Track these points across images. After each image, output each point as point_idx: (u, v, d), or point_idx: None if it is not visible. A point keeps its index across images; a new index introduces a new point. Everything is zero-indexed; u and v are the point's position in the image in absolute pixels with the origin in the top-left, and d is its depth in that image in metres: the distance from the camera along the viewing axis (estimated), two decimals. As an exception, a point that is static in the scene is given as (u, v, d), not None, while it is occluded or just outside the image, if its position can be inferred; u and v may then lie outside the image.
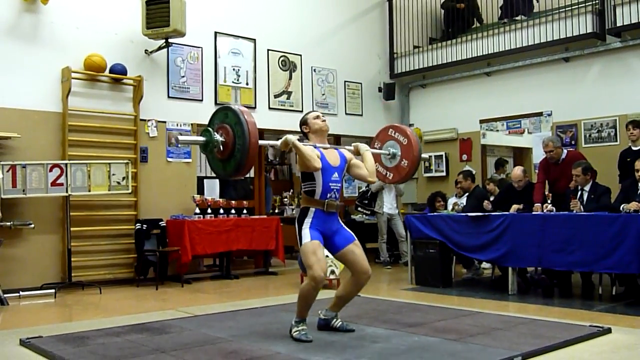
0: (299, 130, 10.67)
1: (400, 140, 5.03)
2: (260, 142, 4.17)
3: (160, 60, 8.36)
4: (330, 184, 4.36)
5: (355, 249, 4.41)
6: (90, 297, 6.89)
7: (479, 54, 9.88)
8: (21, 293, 6.81)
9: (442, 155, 10.58)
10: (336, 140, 10.72)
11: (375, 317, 5.09)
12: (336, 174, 4.41)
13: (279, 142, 4.32)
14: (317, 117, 4.60)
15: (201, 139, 4.11)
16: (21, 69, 7.26)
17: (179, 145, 4.12)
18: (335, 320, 4.58)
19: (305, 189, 4.41)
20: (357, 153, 4.69)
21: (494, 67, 9.87)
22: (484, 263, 8.24)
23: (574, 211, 6.38)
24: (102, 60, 7.71)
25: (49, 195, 7.17)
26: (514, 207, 6.99)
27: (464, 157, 10.29)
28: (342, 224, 4.53)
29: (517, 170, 7.46)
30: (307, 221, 4.32)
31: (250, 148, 3.90)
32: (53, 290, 6.93)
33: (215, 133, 4.05)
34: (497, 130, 10.07)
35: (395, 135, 5.07)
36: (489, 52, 9.74)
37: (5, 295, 6.47)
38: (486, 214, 6.93)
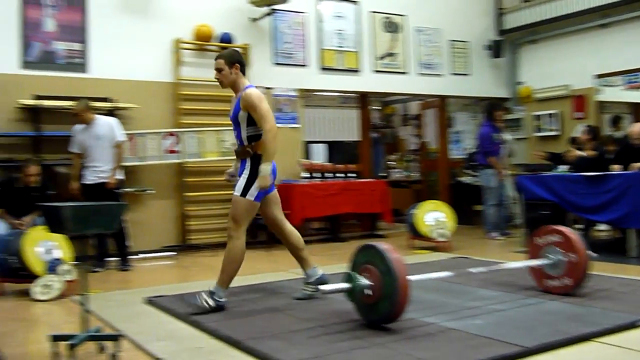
0: (402, 92, 10.52)
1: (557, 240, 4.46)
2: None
3: (265, 27, 8.46)
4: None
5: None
6: (206, 259, 7.18)
7: (593, 5, 9.31)
8: (144, 255, 7.21)
9: (554, 114, 10.13)
10: (442, 100, 10.53)
11: (488, 280, 5.00)
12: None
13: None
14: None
15: (346, 285, 3.74)
16: (136, 42, 7.57)
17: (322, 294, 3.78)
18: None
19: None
20: None
21: (611, 18, 9.27)
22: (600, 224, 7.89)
23: None
24: (210, 30, 7.91)
25: (165, 162, 7.50)
26: (635, 165, 6.62)
27: (578, 114, 9.81)
28: None
29: (637, 127, 7.04)
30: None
31: (400, 288, 3.50)
32: (172, 253, 7.30)
33: (360, 276, 3.69)
34: (615, 85, 9.52)
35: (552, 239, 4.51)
36: (605, 3, 9.16)
37: (129, 257, 6.87)
38: (604, 173, 6.62)
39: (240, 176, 4.37)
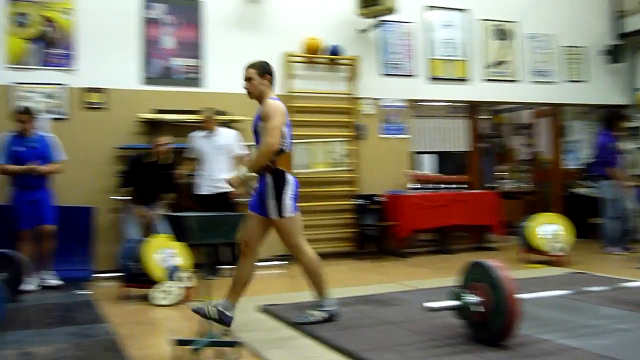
0: (513, 101, 10.21)
1: None
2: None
3: (373, 38, 8.49)
4: None
5: None
6: (315, 269, 7.25)
7: None
8: (255, 263, 7.38)
9: (679, 121, 9.54)
10: (555, 108, 10.16)
11: (610, 297, 4.74)
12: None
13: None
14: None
15: (454, 303, 3.69)
16: (248, 57, 7.55)
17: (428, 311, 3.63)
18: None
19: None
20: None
21: None
22: None
23: None
24: (319, 43, 8.04)
25: (276, 173, 7.66)
26: None
27: None
28: None
29: None
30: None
31: (510, 303, 3.42)
32: (283, 262, 7.44)
33: (468, 293, 3.63)
34: None
35: None
36: None
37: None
38: None
39: (261, 195, 4.21)
